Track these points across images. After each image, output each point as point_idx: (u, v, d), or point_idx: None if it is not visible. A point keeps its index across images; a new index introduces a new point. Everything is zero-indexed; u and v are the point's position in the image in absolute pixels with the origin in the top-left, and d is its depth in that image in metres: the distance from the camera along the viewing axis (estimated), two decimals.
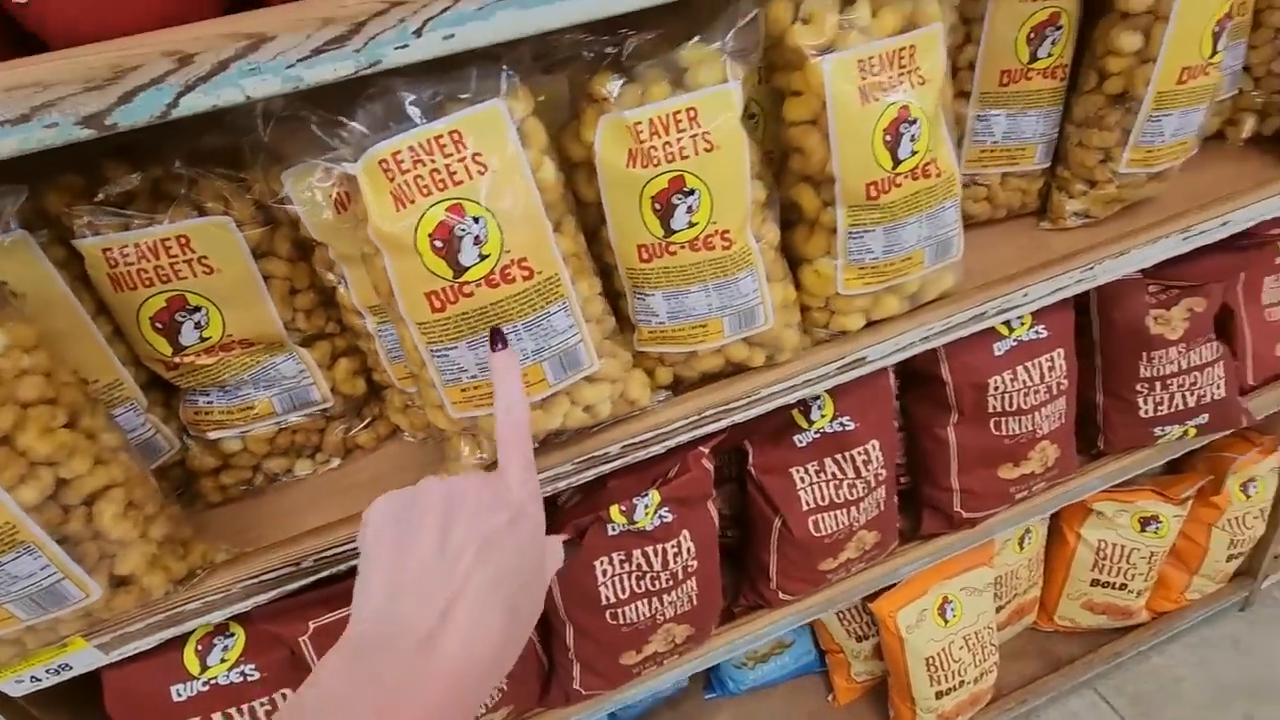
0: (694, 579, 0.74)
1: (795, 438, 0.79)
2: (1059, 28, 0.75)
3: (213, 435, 0.63)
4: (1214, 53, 0.72)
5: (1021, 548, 1.22)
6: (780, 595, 0.85)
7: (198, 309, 0.57)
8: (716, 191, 0.56)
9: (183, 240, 0.55)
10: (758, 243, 0.61)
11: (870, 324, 0.72)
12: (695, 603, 0.75)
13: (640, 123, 0.54)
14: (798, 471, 0.79)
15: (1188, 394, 0.93)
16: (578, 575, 0.69)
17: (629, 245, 0.59)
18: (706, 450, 0.71)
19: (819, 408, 0.78)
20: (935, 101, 0.62)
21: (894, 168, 0.61)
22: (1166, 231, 0.80)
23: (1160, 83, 0.73)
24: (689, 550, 0.72)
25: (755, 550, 0.84)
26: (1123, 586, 1.26)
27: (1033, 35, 0.75)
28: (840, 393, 0.78)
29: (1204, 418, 0.96)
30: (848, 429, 0.78)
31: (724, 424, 0.70)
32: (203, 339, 0.58)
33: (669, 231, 0.57)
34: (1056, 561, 1.29)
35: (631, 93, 0.55)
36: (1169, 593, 1.34)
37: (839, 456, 0.79)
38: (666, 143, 0.54)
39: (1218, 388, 0.94)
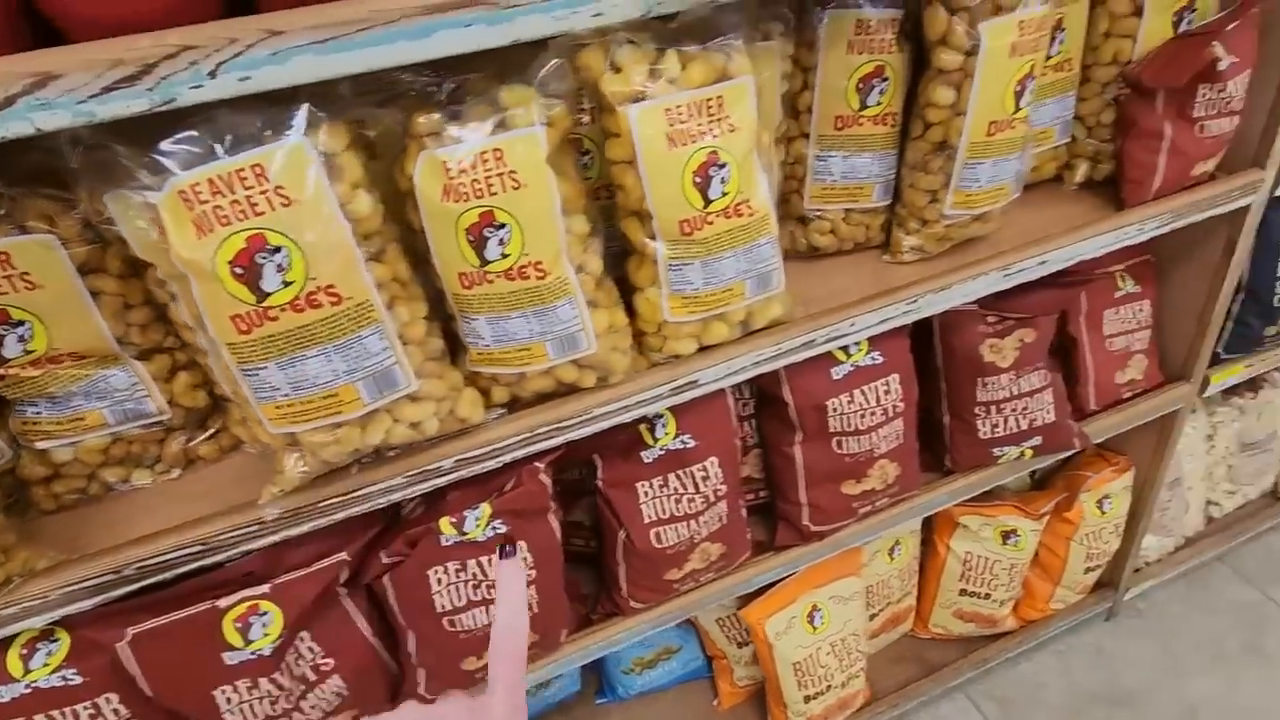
0: (533, 588, 0.78)
1: (642, 454, 0.83)
2: (885, 79, 0.81)
3: (41, 445, 0.64)
4: (1018, 109, 0.79)
5: (892, 558, 1.28)
6: (631, 603, 0.89)
7: (20, 323, 0.59)
8: (526, 226, 0.60)
9: (2, 257, 0.56)
10: (577, 273, 0.66)
11: (703, 349, 0.77)
12: (536, 610, 0.79)
13: (449, 161, 0.58)
14: (642, 486, 0.83)
15: (1020, 417, 1.00)
16: (412, 584, 0.72)
17: (451, 273, 0.63)
18: (543, 465, 0.75)
19: (662, 426, 0.83)
20: (746, 147, 0.67)
21: (705, 207, 0.66)
22: (987, 269, 0.87)
23: (972, 134, 0.79)
24: (525, 560, 0.76)
25: (607, 560, 0.89)
26: (987, 596, 1.33)
27: (861, 85, 0.81)
28: (681, 412, 0.83)
29: (1037, 440, 1.03)
30: (688, 446, 0.83)
31: (559, 441, 0.74)
32: (27, 352, 0.60)
33: (484, 261, 0.61)
34: (929, 572, 1.37)
35: (445, 131, 0.59)
36: (1035, 602, 1.43)
37: (680, 472, 0.83)
38: (474, 180, 0.58)
39: (1047, 412, 1.01)
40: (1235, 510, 1.62)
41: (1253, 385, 1.49)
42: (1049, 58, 0.90)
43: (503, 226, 0.60)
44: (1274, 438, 1.56)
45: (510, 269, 0.62)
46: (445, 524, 0.71)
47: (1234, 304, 1.15)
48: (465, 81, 0.61)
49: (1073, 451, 1.11)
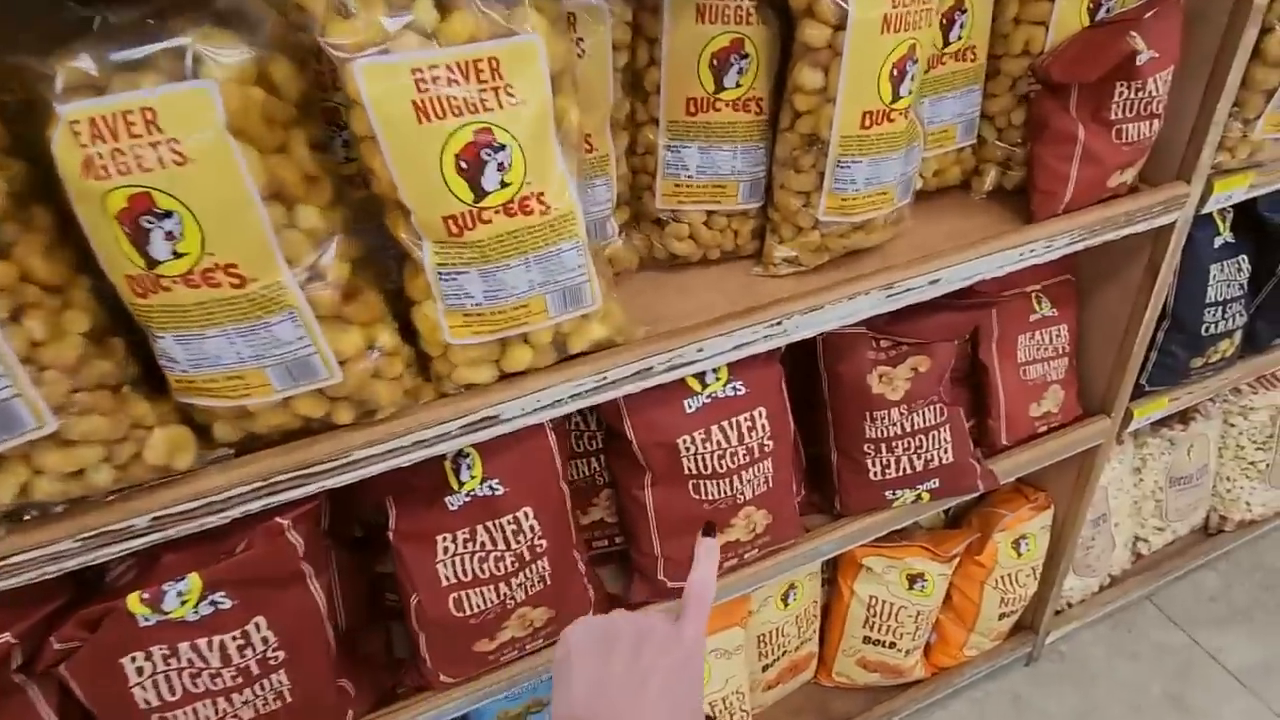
0: (282, 673, 0.62)
1: (446, 499, 0.68)
2: (745, 56, 0.67)
3: None
4: (896, 97, 0.66)
5: (786, 605, 1.15)
6: (440, 678, 0.74)
7: None
8: (203, 216, 0.45)
9: None
10: (308, 282, 0.50)
11: (506, 376, 0.63)
12: (289, 699, 0.63)
13: (79, 122, 0.42)
14: (443, 540, 0.68)
15: (914, 457, 0.88)
16: (98, 674, 0.56)
17: (117, 275, 0.47)
18: (289, 521, 0.60)
19: (468, 467, 0.68)
20: (537, 126, 0.52)
21: (477, 201, 0.52)
22: (866, 288, 0.74)
23: (843, 127, 0.66)
24: (265, 640, 0.60)
25: (407, 626, 0.73)
26: (892, 645, 1.21)
27: (716, 62, 0.67)
28: (489, 451, 0.68)
29: (934, 482, 0.91)
30: (497, 494, 0.68)
31: (310, 489, 0.58)
32: None
33: (151, 262, 0.46)
34: (833, 615, 1.24)
35: (87, 84, 0.43)
36: (948, 648, 1.31)
37: (489, 524, 0.68)
38: (117, 150, 0.42)
39: (945, 452, 0.89)
40: (1164, 547, 1.53)
41: (1183, 417, 1.39)
42: (948, 44, 0.78)
43: (168, 215, 0.44)
44: (1205, 471, 1.47)
45: (190, 272, 0.46)
46: (135, 602, 0.55)
47: (1158, 332, 1.05)
48: (136, 20, 0.46)
49: (976, 495, 0.99)
